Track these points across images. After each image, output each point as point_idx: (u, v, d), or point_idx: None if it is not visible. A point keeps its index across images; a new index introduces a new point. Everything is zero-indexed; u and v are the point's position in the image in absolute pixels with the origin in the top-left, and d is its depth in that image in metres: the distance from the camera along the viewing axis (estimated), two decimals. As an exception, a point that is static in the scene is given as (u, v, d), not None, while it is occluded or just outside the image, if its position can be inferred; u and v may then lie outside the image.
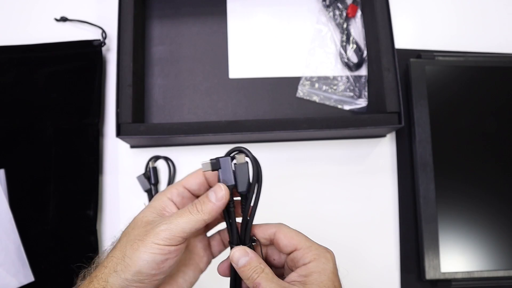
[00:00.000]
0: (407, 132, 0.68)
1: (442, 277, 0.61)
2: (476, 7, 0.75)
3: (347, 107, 0.69)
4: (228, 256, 0.39)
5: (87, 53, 0.67)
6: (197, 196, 0.40)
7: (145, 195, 0.65)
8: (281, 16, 0.72)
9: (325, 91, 0.69)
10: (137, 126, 0.59)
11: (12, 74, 0.65)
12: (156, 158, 0.66)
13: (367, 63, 0.70)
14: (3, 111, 0.64)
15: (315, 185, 0.67)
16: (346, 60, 0.70)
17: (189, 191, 0.40)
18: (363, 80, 0.70)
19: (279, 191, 0.65)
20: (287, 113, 0.68)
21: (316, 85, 0.69)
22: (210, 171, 0.38)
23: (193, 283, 0.41)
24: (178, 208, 0.39)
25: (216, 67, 0.69)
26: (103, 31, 0.67)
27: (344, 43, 0.70)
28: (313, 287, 0.35)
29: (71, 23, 0.70)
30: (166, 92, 0.68)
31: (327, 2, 0.72)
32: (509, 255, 0.63)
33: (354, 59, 0.70)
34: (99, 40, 0.67)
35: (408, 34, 0.73)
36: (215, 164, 0.38)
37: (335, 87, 0.70)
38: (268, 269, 0.37)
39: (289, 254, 0.39)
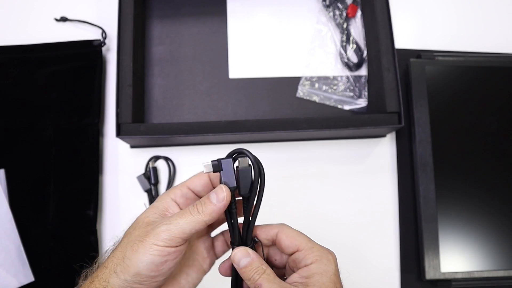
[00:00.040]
0: (407, 132, 0.68)
1: (442, 277, 0.61)
2: (476, 7, 0.75)
3: (347, 107, 0.69)
4: (230, 256, 0.39)
5: (87, 53, 0.67)
6: (201, 198, 0.40)
7: (145, 195, 0.65)
8: (281, 16, 0.72)
9: (325, 91, 0.69)
10: (137, 126, 0.59)
11: (12, 74, 0.65)
12: (156, 158, 0.66)
13: (367, 63, 0.70)
14: (3, 111, 0.64)
15: (315, 185, 0.67)
16: (346, 60, 0.70)
17: (193, 192, 0.40)
18: (363, 80, 0.70)
19: (279, 191, 0.65)
20: (287, 113, 0.68)
21: (316, 85, 0.69)
22: (213, 173, 0.38)
23: (196, 284, 0.41)
24: (181, 209, 0.39)
25: (216, 67, 0.69)
26: (103, 31, 0.67)
27: (344, 43, 0.70)
28: None
29: (71, 23, 0.70)
30: (166, 92, 0.68)
31: (327, 2, 0.72)
32: (509, 255, 0.63)
33: (354, 59, 0.70)
34: (99, 40, 0.67)
35: (408, 34, 0.73)
36: (217, 166, 0.37)
37: (335, 87, 0.70)
38: (269, 270, 0.37)
39: (290, 254, 0.39)
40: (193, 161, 0.67)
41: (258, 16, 0.72)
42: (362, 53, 0.70)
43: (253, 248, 0.39)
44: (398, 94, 0.62)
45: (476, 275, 0.62)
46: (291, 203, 0.66)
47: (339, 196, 0.67)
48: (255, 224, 0.39)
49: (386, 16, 0.65)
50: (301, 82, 0.69)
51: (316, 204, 0.66)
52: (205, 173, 0.38)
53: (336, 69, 0.71)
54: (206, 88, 0.69)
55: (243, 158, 0.37)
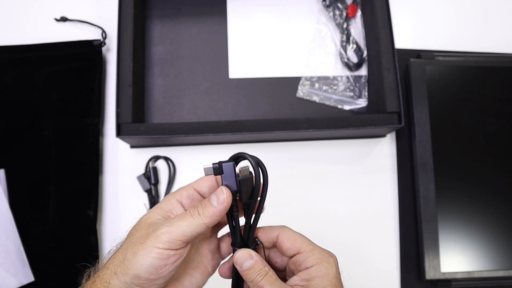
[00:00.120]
0: (407, 132, 0.68)
1: (442, 277, 0.61)
2: (476, 7, 0.75)
3: (347, 107, 0.69)
4: (230, 258, 0.39)
5: (87, 53, 0.67)
6: None
7: (145, 195, 0.65)
8: (281, 16, 0.72)
9: (325, 91, 0.69)
10: (137, 126, 0.59)
11: (12, 74, 0.65)
12: (156, 158, 0.66)
13: (367, 63, 0.70)
14: (3, 111, 0.64)
15: (315, 185, 0.67)
16: (346, 60, 0.70)
17: (199, 193, 0.40)
18: (363, 80, 0.70)
19: (279, 191, 0.65)
20: (287, 113, 0.68)
21: (316, 85, 0.69)
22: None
23: (200, 287, 0.40)
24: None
25: (216, 67, 0.69)
26: (103, 31, 0.67)
27: (344, 43, 0.70)
28: None
29: (71, 23, 0.70)
30: (166, 92, 0.68)
31: (327, 2, 0.72)
32: (509, 255, 0.63)
33: (354, 59, 0.70)
34: (99, 40, 0.67)
35: (408, 34, 0.73)
36: (217, 169, 0.37)
37: (335, 87, 0.70)
38: (271, 272, 0.37)
39: (291, 257, 0.38)
40: (193, 161, 0.67)
41: (258, 16, 0.72)
42: (362, 53, 0.70)
43: (255, 249, 0.39)
44: (398, 94, 0.62)
45: (476, 275, 0.62)
46: (291, 203, 0.66)
47: (339, 196, 0.67)
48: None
49: (386, 16, 0.65)
50: (301, 82, 0.69)
51: (316, 204, 0.66)
52: (206, 175, 0.38)
53: (336, 69, 0.71)
54: (206, 88, 0.69)
55: (244, 168, 0.37)
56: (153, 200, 0.65)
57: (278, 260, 0.40)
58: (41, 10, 0.70)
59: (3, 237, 0.59)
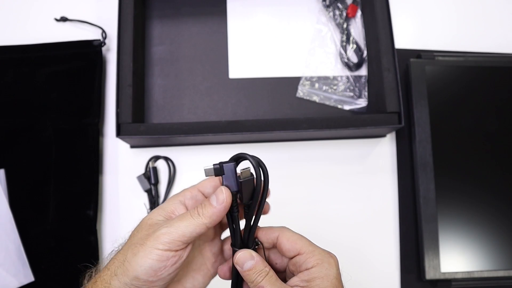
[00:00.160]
0: (407, 132, 0.68)
1: (442, 277, 0.61)
2: (476, 7, 0.75)
3: (347, 107, 0.69)
4: (229, 258, 0.39)
5: (87, 53, 0.67)
6: None
7: (145, 195, 0.65)
8: (281, 16, 0.72)
9: (325, 91, 0.69)
10: (137, 126, 0.59)
11: (12, 74, 0.65)
12: (156, 158, 0.66)
13: (367, 63, 0.70)
14: (3, 111, 0.64)
15: (315, 185, 0.67)
16: (346, 60, 0.70)
17: (203, 194, 0.40)
18: (363, 80, 0.70)
19: (279, 191, 0.65)
20: (287, 113, 0.68)
21: (316, 85, 0.69)
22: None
23: None
24: None
25: (216, 67, 0.69)
26: (103, 31, 0.67)
27: (344, 43, 0.70)
28: None
29: (71, 23, 0.70)
30: (166, 92, 0.68)
31: (327, 2, 0.72)
32: (509, 255, 0.63)
33: (354, 59, 0.70)
34: (99, 40, 0.67)
35: (408, 34, 0.73)
36: (218, 170, 0.36)
37: (335, 87, 0.70)
38: (272, 272, 0.37)
39: (291, 258, 0.38)
40: (193, 161, 0.67)
41: (258, 16, 0.72)
42: (362, 53, 0.70)
43: (255, 250, 0.38)
44: (398, 94, 0.62)
45: (476, 275, 0.62)
46: (291, 203, 0.66)
47: (339, 196, 0.67)
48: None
49: (386, 16, 0.65)
50: (301, 82, 0.69)
51: (316, 204, 0.66)
52: (207, 177, 0.38)
53: (336, 69, 0.71)
54: (206, 88, 0.69)
55: (245, 169, 0.37)
56: (153, 200, 0.65)
57: (278, 261, 0.40)
58: (41, 10, 0.70)
59: (3, 237, 0.59)
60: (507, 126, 0.67)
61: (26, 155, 0.63)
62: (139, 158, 0.66)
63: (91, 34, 0.69)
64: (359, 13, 0.72)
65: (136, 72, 0.63)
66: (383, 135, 0.69)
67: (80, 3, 0.71)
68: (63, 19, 0.69)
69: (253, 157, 0.36)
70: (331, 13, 0.71)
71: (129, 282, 0.34)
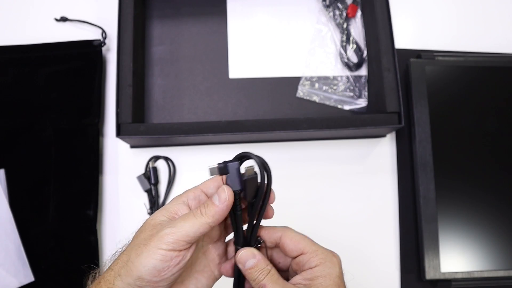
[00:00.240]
0: (407, 132, 0.68)
1: (442, 277, 0.61)
2: (476, 7, 0.75)
3: (347, 107, 0.69)
4: (232, 256, 0.39)
5: (87, 53, 0.67)
6: None
7: (145, 195, 0.65)
8: (281, 16, 0.72)
9: (325, 91, 0.69)
10: (137, 126, 0.59)
11: (12, 74, 0.65)
12: (156, 158, 0.66)
13: (367, 63, 0.70)
14: (3, 111, 0.64)
15: (315, 185, 0.67)
16: (346, 60, 0.70)
17: (206, 194, 0.40)
18: (363, 80, 0.70)
19: (279, 191, 0.64)
20: (287, 113, 0.68)
21: (316, 85, 0.69)
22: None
23: None
24: None
25: (216, 67, 0.69)
26: (103, 31, 0.67)
27: (344, 43, 0.70)
28: None
29: (71, 23, 0.70)
30: (166, 92, 0.68)
31: (327, 2, 0.72)
32: (509, 255, 0.63)
33: (354, 59, 0.70)
34: (99, 40, 0.67)
35: (408, 34, 0.73)
36: (223, 169, 0.37)
37: (335, 87, 0.70)
38: (274, 271, 0.37)
39: (294, 258, 0.38)
40: (193, 161, 0.67)
41: (258, 16, 0.72)
42: (362, 53, 0.70)
43: (257, 249, 0.39)
44: (398, 94, 0.62)
45: (476, 275, 0.62)
46: (291, 203, 0.65)
47: (339, 196, 0.67)
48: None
49: (386, 16, 0.65)
50: (301, 82, 0.69)
51: (315, 204, 0.66)
52: (211, 176, 0.38)
53: (336, 69, 0.71)
54: (206, 88, 0.69)
55: (249, 167, 0.37)
56: (153, 200, 0.65)
57: (281, 260, 0.40)
58: (41, 10, 0.70)
59: (3, 237, 0.59)
60: (507, 126, 0.67)
61: (26, 155, 0.63)
62: (139, 158, 0.66)
63: (91, 34, 0.69)
64: (359, 13, 0.72)
65: (136, 72, 0.63)
66: (383, 135, 0.69)
67: (80, 3, 0.71)
68: (63, 19, 0.69)
69: (257, 156, 0.37)
70: (331, 13, 0.71)
71: (132, 282, 0.34)
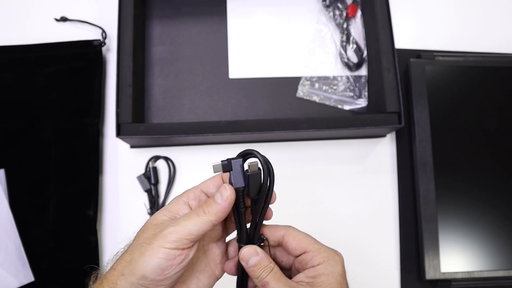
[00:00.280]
0: (407, 132, 0.68)
1: (442, 277, 0.61)
2: (476, 7, 0.75)
3: (347, 107, 0.69)
4: (235, 255, 0.40)
5: (87, 53, 0.67)
6: None
7: (145, 195, 0.65)
8: (281, 16, 0.72)
9: (325, 91, 0.69)
10: (137, 126, 0.59)
11: (12, 74, 0.65)
12: (156, 158, 0.66)
13: (367, 63, 0.70)
14: (3, 111, 0.64)
15: (314, 185, 0.67)
16: (346, 60, 0.70)
17: (206, 194, 0.40)
18: (363, 80, 0.70)
19: (279, 190, 0.65)
20: (287, 113, 0.68)
21: (316, 85, 0.69)
22: (225, 173, 0.38)
23: None
24: None
25: (216, 67, 0.69)
26: (103, 31, 0.67)
27: (344, 43, 0.70)
28: None
29: (71, 23, 0.70)
30: (166, 92, 0.68)
31: (327, 2, 0.72)
32: (509, 255, 0.63)
33: (354, 59, 0.70)
34: (99, 40, 0.67)
35: (408, 34, 0.73)
36: (226, 166, 0.37)
37: (335, 87, 0.70)
38: (276, 268, 0.37)
39: (297, 256, 0.39)
40: (193, 161, 0.67)
41: (258, 16, 0.72)
42: (362, 53, 0.70)
43: (260, 246, 0.39)
44: (398, 94, 0.62)
45: (476, 275, 0.62)
46: (291, 203, 0.65)
47: (339, 196, 0.67)
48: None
49: (386, 16, 0.65)
50: (301, 82, 0.69)
51: (315, 204, 0.66)
52: (215, 173, 0.38)
53: (336, 69, 0.71)
54: (206, 88, 0.69)
55: (253, 163, 0.37)
56: (153, 200, 0.65)
57: (285, 259, 0.41)
58: (41, 10, 0.70)
59: (3, 237, 0.59)
60: (507, 126, 0.67)
61: (26, 155, 0.63)
62: (139, 158, 0.66)
63: (91, 34, 0.69)
64: (359, 13, 0.72)
65: (136, 72, 0.63)
66: (383, 135, 0.69)
67: (80, 3, 0.71)
68: (63, 19, 0.69)
69: (260, 154, 0.37)
70: (331, 13, 0.71)
71: (136, 281, 0.34)
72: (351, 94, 0.69)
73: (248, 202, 0.39)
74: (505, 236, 0.63)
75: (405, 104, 0.67)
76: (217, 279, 0.41)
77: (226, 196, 0.36)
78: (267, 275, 0.37)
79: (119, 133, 0.59)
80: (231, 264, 0.41)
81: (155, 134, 0.59)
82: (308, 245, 0.38)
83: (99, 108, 0.65)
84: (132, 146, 0.66)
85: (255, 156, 0.37)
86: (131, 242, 0.37)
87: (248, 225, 0.39)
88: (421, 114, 0.65)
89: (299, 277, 0.38)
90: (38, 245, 0.60)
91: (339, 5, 0.71)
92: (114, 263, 0.36)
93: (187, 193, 0.39)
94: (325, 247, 0.38)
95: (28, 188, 0.62)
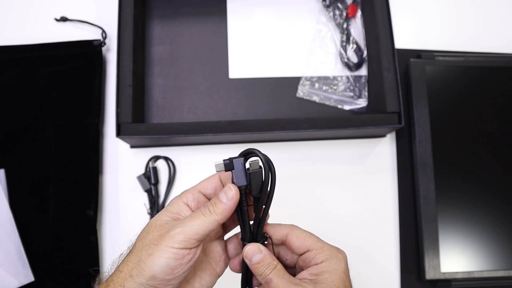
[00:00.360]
0: (407, 132, 0.68)
1: (442, 277, 0.61)
2: (476, 7, 0.75)
3: (347, 107, 0.69)
4: (239, 253, 0.40)
5: (87, 53, 0.67)
6: None
7: (145, 195, 0.65)
8: (281, 16, 0.72)
9: (325, 91, 0.69)
10: (137, 126, 0.59)
11: (12, 74, 0.65)
12: (156, 158, 0.66)
13: (367, 63, 0.70)
14: (3, 111, 0.64)
15: (314, 185, 0.67)
16: (346, 60, 0.70)
17: (204, 195, 0.41)
18: (363, 80, 0.70)
19: (279, 191, 0.65)
20: (287, 113, 0.68)
21: (316, 85, 0.69)
22: (225, 173, 0.39)
23: None
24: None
25: (216, 67, 0.69)
26: (103, 31, 0.67)
27: (344, 43, 0.70)
28: (324, 286, 0.36)
29: (71, 23, 0.70)
30: (166, 92, 0.68)
31: (327, 2, 0.72)
32: (509, 255, 0.63)
33: (354, 59, 0.70)
34: (99, 40, 0.67)
35: (408, 34, 0.73)
36: (228, 165, 0.38)
37: (335, 87, 0.70)
38: (280, 266, 0.38)
39: (301, 255, 0.39)
40: (193, 161, 0.67)
41: (258, 16, 0.72)
42: (362, 53, 0.70)
43: (264, 244, 0.40)
44: (398, 94, 0.62)
45: (476, 275, 0.62)
46: (291, 202, 0.65)
47: (339, 196, 0.67)
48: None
49: (386, 16, 0.65)
50: (301, 82, 0.69)
51: (315, 204, 0.66)
52: (217, 172, 0.39)
53: (336, 69, 0.71)
54: (206, 88, 0.69)
55: (254, 161, 0.38)
56: (153, 200, 0.65)
57: (289, 257, 0.41)
58: (41, 10, 0.70)
59: (3, 237, 0.59)
60: (507, 126, 0.67)
61: (26, 155, 0.63)
62: (139, 158, 0.66)
63: (91, 34, 0.69)
64: (359, 13, 0.72)
65: (136, 72, 0.63)
66: (383, 135, 0.69)
67: (80, 3, 0.71)
68: (63, 19, 0.69)
69: (261, 152, 0.38)
70: (331, 13, 0.71)
71: (145, 282, 0.35)
72: (351, 94, 0.69)
73: (251, 200, 0.40)
74: (505, 236, 0.63)
75: (405, 104, 0.67)
76: (219, 276, 0.42)
77: (231, 196, 0.37)
78: (270, 272, 0.37)
79: (119, 133, 0.59)
80: (235, 262, 0.41)
81: (155, 134, 0.59)
82: (311, 243, 0.38)
83: (99, 108, 0.65)
84: (132, 146, 0.66)
85: (256, 155, 0.37)
86: (133, 243, 0.38)
87: (251, 223, 0.40)
88: (421, 114, 0.65)
89: (303, 274, 0.38)
90: (38, 245, 0.60)
91: (339, 5, 0.71)
92: (120, 265, 0.36)
93: (185, 194, 0.40)
94: (328, 245, 0.39)
95: (28, 188, 0.62)
